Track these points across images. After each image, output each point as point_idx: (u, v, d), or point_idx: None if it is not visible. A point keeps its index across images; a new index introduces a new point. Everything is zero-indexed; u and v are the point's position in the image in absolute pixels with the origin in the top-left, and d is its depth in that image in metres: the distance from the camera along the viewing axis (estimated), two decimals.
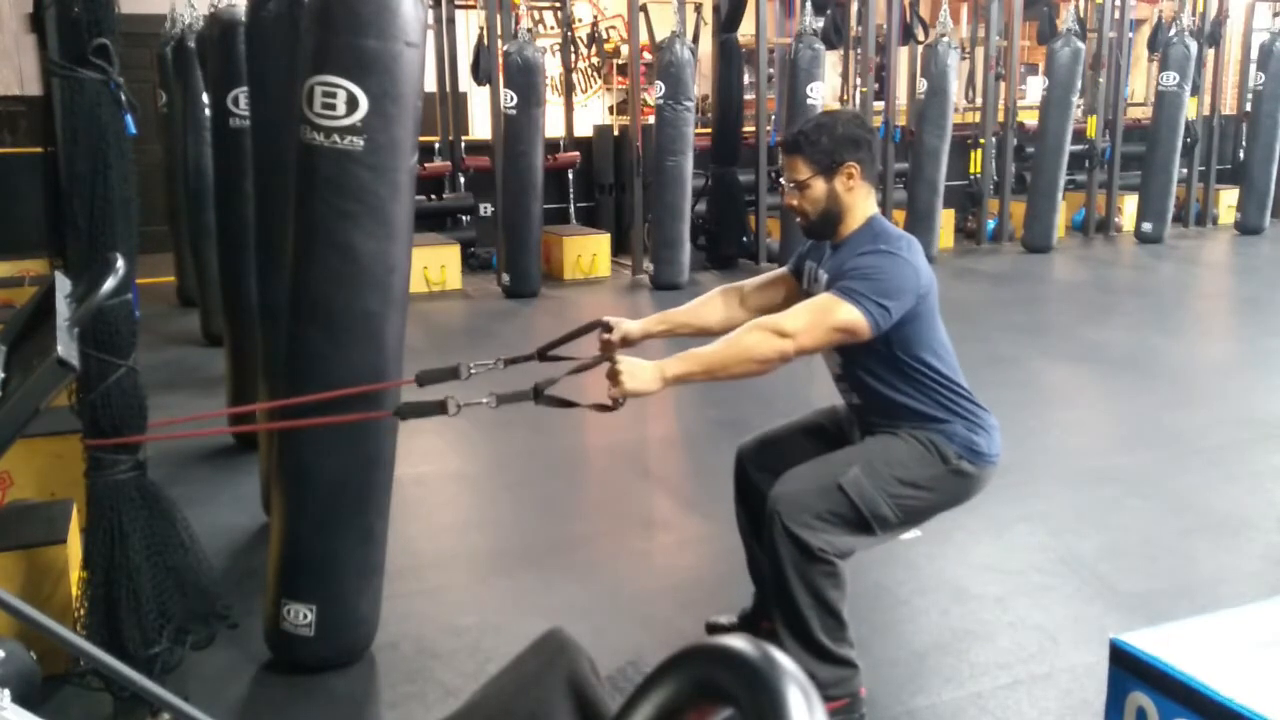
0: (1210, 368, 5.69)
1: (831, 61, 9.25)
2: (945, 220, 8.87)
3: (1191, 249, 9.37)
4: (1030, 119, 9.60)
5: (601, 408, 2.27)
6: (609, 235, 8.51)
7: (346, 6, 2.33)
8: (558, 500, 3.88)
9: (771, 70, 9.90)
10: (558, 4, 9.48)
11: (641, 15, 8.30)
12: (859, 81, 9.01)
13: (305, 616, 2.54)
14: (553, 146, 8.51)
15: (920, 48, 8.66)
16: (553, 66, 9.14)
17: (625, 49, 9.61)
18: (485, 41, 7.87)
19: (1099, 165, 9.61)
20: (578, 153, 9.08)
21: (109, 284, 1.60)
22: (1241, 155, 10.38)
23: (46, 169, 2.39)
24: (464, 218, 8.70)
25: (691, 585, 3.16)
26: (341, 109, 2.34)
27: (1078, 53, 8.67)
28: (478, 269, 8.36)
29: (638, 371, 2.16)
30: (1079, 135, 9.53)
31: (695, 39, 8.03)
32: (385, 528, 2.66)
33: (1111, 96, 9.57)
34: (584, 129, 9.63)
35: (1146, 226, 9.32)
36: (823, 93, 7.78)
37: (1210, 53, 10.06)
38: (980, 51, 9.50)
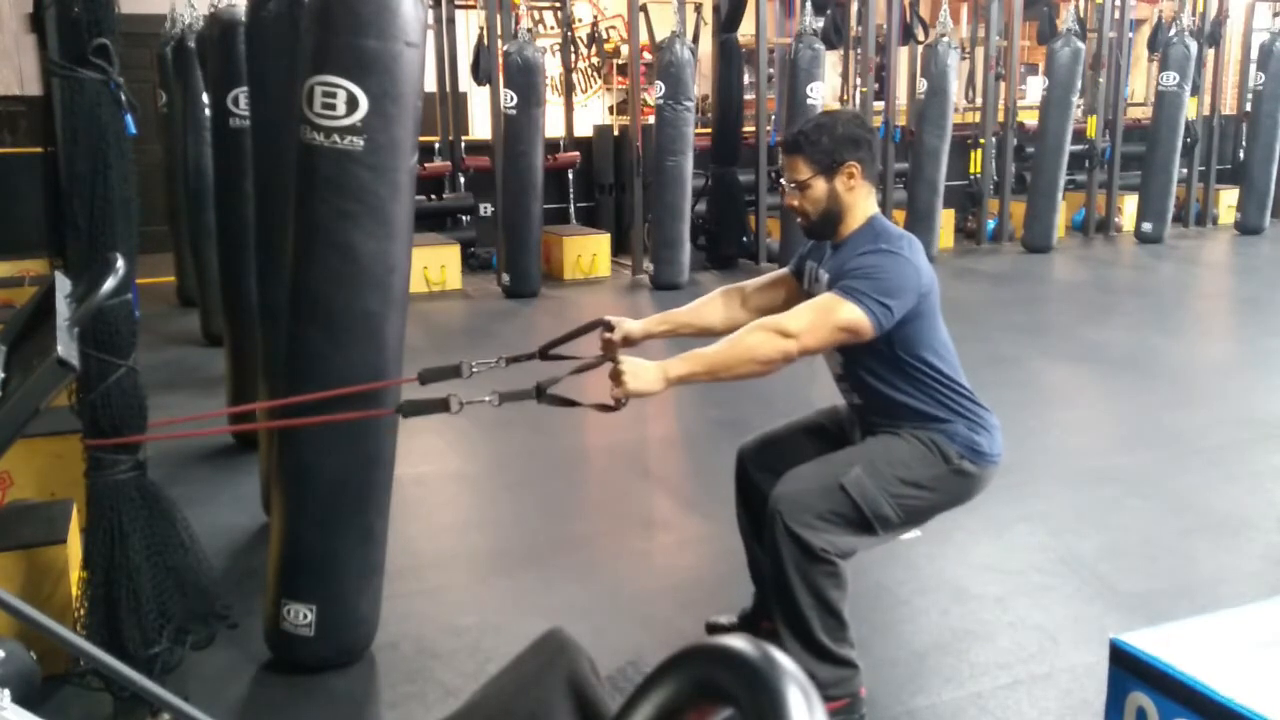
0: (1210, 368, 5.69)
1: (831, 61, 9.25)
2: (945, 220, 8.88)
3: (1191, 249, 9.38)
4: (1030, 119, 9.60)
5: (604, 408, 2.27)
6: (609, 235, 8.51)
7: (346, 6, 2.33)
8: (558, 500, 3.88)
9: (771, 70, 9.90)
10: (558, 4, 9.48)
11: (641, 15, 8.30)
12: (859, 81, 9.01)
13: (305, 616, 2.54)
14: (553, 146, 8.51)
15: (920, 48, 8.66)
16: (553, 66, 9.14)
17: (625, 49, 9.61)
18: (485, 41, 7.87)
19: (1099, 165, 9.61)
20: (578, 153, 9.08)
21: (109, 284, 1.60)
22: (1241, 155, 10.38)
23: (46, 169, 2.39)
24: (464, 218, 8.70)
25: (691, 585, 3.16)
26: (341, 109, 2.34)
27: (1078, 53, 8.67)
28: (478, 269, 8.36)
29: (641, 372, 2.16)
30: (1079, 135, 9.53)
31: (695, 39, 8.03)
32: (385, 527, 2.66)
33: (1111, 96, 9.57)
34: (584, 129, 9.63)
35: (1146, 226, 9.32)
36: (823, 93, 7.78)
37: (1210, 53, 10.06)
38: (980, 51, 9.50)
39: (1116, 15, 9.39)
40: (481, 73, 7.99)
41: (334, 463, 2.52)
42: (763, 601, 2.62)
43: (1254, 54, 10.33)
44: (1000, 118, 9.09)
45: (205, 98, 5.26)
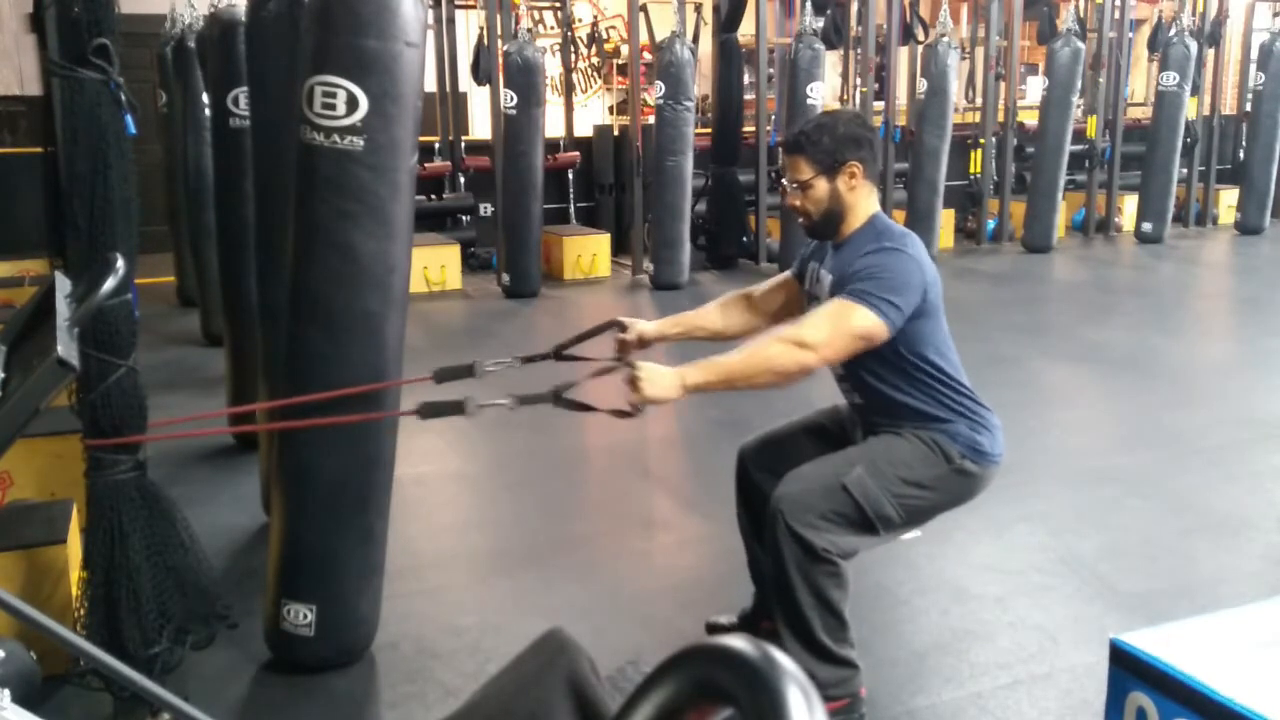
0: (1210, 368, 5.69)
1: (831, 61, 9.25)
2: (945, 220, 8.88)
3: (1191, 249, 9.38)
4: (1030, 119, 9.60)
5: (620, 414, 2.26)
6: (609, 235, 8.51)
7: (346, 6, 2.33)
8: (558, 500, 3.88)
9: (771, 70, 9.90)
10: (558, 4, 9.49)
11: (641, 15, 8.30)
12: (859, 81, 9.01)
13: (305, 616, 2.54)
14: (553, 146, 8.51)
15: (920, 48, 8.66)
16: (553, 66, 9.14)
17: (625, 49, 9.61)
18: (485, 41, 7.87)
19: (1099, 165, 9.61)
20: (578, 153, 9.08)
21: (109, 284, 1.60)
22: (1241, 155, 10.38)
23: (46, 169, 2.39)
24: (464, 218, 8.70)
25: (691, 585, 3.16)
26: (341, 109, 2.34)
27: (1078, 53, 8.67)
28: (478, 269, 8.36)
29: (658, 378, 2.14)
30: (1079, 135, 9.53)
31: (695, 39, 8.03)
32: (385, 528, 2.66)
33: (1111, 96, 9.57)
34: (584, 129, 9.63)
35: (1146, 226, 9.32)
36: (823, 93, 7.78)
37: (1210, 53, 10.06)
38: (980, 51, 9.50)
39: (1116, 15, 9.39)
40: (481, 73, 7.99)
41: (334, 463, 2.52)
42: (763, 601, 2.62)
43: (1254, 54, 10.33)
44: (1000, 118, 9.09)
45: (205, 98, 5.26)
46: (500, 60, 7.42)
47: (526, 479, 4.07)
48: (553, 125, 8.29)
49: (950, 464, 2.29)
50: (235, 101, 3.94)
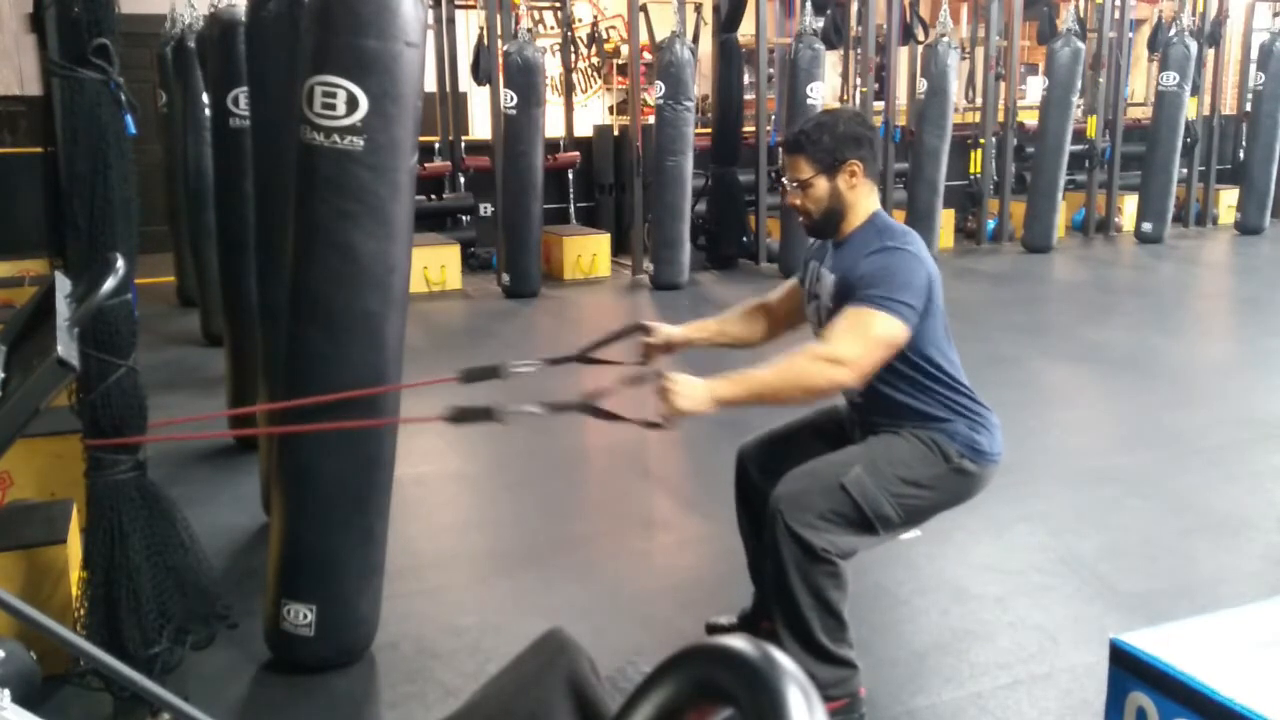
0: (1210, 368, 5.69)
1: (831, 61, 9.25)
2: (945, 220, 8.88)
3: (1191, 249, 9.38)
4: (1030, 119, 9.60)
5: (651, 425, 2.24)
6: (609, 235, 8.51)
7: (346, 6, 2.33)
8: (558, 500, 3.88)
9: (771, 70, 9.90)
10: (558, 4, 9.49)
11: (641, 15, 8.30)
12: (859, 81, 9.01)
13: (305, 616, 2.54)
14: (553, 146, 8.51)
15: (920, 48, 8.67)
16: (553, 66, 9.15)
17: (625, 49, 9.61)
18: (485, 41, 7.87)
19: (1099, 165, 9.61)
20: (578, 153, 9.08)
21: (109, 284, 1.60)
22: (1241, 155, 10.38)
23: (46, 169, 2.39)
24: (464, 218, 8.70)
25: (691, 585, 3.16)
26: (341, 109, 2.34)
27: (1078, 53, 8.67)
28: (478, 269, 8.36)
29: (690, 391, 2.12)
30: (1079, 135, 9.53)
31: (695, 39, 8.03)
32: (385, 528, 2.66)
33: (1111, 96, 9.57)
34: (584, 129, 9.63)
35: (1146, 226, 9.32)
36: (823, 93, 7.78)
37: (1210, 53, 10.06)
38: (980, 51, 9.50)
39: (1116, 15, 9.39)
40: (481, 73, 7.99)
41: (334, 463, 2.52)
42: (762, 602, 2.62)
43: (1254, 54, 10.33)
44: (1000, 118, 9.09)
45: (205, 98, 5.26)
46: (500, 60, 7.42)
47: (526, 479, 4.08)
48: (553, 125, 8.29)
49: (949, 463, 2.29)
50: (235, 101, 3.94)
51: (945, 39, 8.25)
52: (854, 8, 8.93)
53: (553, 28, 10.72)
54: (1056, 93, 8.74)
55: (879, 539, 2.30)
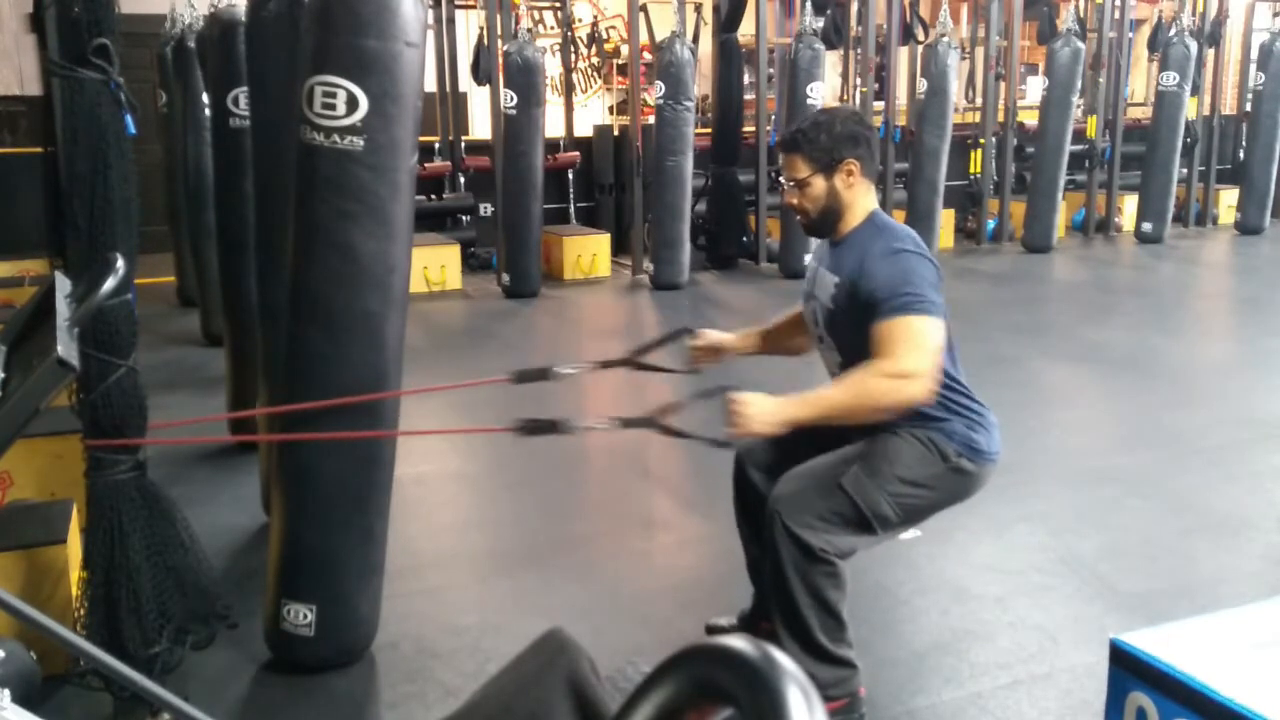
0: (1210, 368, 5.69)
1: (831, 61, 9.24)
2: (945, 220, 8.88)
3: (1191, 249, 9.38)
4: (1030, 119, 9.60)
5: (719, 445, 2.25)
6: (609, 235, 8.51)
7: (346, 6, 2.33)
8: (558, 500, 3.88)
9: (771, 70, 9.90)
10: (558, 4, 9.49)
11: (641, 15, 8.30)
12: (859, 81, 9.01)
13: (305, 616, 2.54)
14: (553, 146, 8.51)
15: (920, 48, 8.67)
16: (553, 66, 9.14)
17: (625, 49, 9.61)
18: (485, 41, 7.87)
19: (1099, 165, 9.61)
20: (578, 153, 9.08)
21: (109, 284, 1.60)
22: (1241, 155, 10.38)
23: (46, 169, 2.39)
24: (464, 218, 8.70)
25: (691, 585, 3.16)
26: (341, 109, 2.34)
27: (1078, 53, 8.67)
28: (478, 269, 8.36)
29: (759, 412, 2.12)
30: (1079, 135, 9.53)
31: (695, 39, 8.03)
32: (385, 528, 2.66)
33: (1111, 96, 9.57)
34: (584, 129, 9.63)
35: (1146, 226, 9.32)
36: (823, 93, 7.78)
37: (1210, 53, 10.06)
38: (980, 51, 9.50)
39: (1116, 15, 9.39)
40: (481, 73, 7.99)
41: (334, 463, 2.52)
42: (762, 602, 2.62)
43: (1254, 54, 10.33)
44: (1000, 118, 9.09)
45: (205, 98, 5.26)
46: (500, 60, 7.43)
47: (526, 479, 4.07)
48: (553, 125, 8.29)
49: (947, 463, 2.29)
50: (235, 101, 3.94)
51: (945, 39, 8.25)
52: (854, 8, 8.93)
53: (553, 28, 10.72)
54: (1056, 93, 8.74)
55: (877, 539, 2.30)
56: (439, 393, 4.51)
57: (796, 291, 2.61)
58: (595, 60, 11.96)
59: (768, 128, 8.46)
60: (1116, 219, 9.82)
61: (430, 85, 6.61)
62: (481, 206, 8.54)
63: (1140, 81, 12.25)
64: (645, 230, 8.00)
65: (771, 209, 8.22)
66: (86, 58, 2.30)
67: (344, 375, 2.45)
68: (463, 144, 8.62)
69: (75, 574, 2.65)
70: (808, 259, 2.70)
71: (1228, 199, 10.30)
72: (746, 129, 8.73)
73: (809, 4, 7.76)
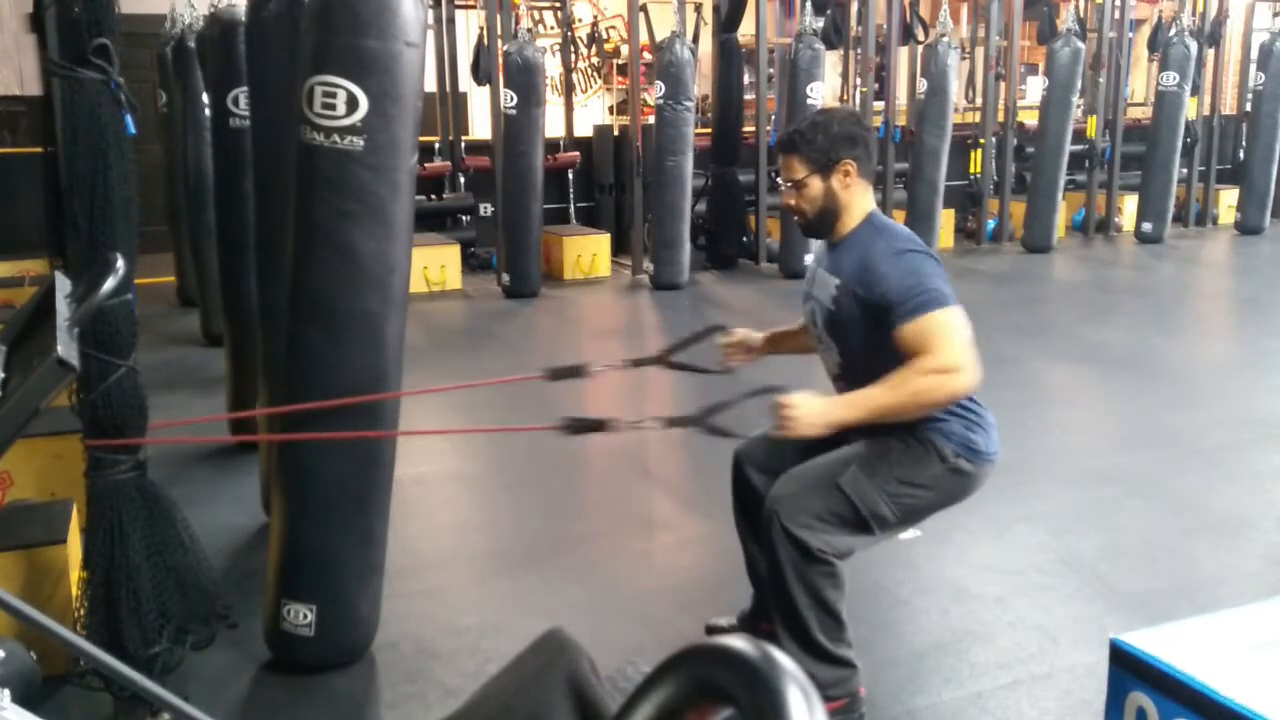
0: (1210, 368, 5.69)
1: (831, 61, 9.25)
2: (945, 220, 8.88)
3: (1191, 249, 9.38)
4: (1030, 119, 9.60)
5: None
6: (609, 235, 8.51)
7: (346, 6, 2.33)
8: (558, 500, 3.88)
9: (771, 70, 9.90)
10: (558, 4, 9.49)
11: (641, 15, 8.30)
12: (859, 81, 9.01)
13: (305, 616, 2.54)
14: (553, 146, 8.52)
15: (920, 48, 8.67)
16: (553, 66, 9.14)
17: (625, 49, 9.61)
18: (485, 41, 7.87)
19: (1099, 165, 9.61)
20: (578, 153, 9.08)
21: (109, 284, 1.60)
22: (1241, 155, 10.38)
23: (46, 169, 2.39)
24: (464, 218, 8.70)
25: (691, 585, 3.16)
26: (341, 109, 2.34)
27: (1078, 53, 8.67)
28: (478, 269, 8.36)
29: (807, 414, 2.13)
30: (1079, 135, 9.53)
31: (695, 39, 8.03)
32: (385, 528, 2.66)
33: (1111, 96, 9.57)
34: (584, 129, 9.63)
35: (1146, 226, 9.32)
36: (823, 93, 7.78)
37: (1210, 53, 10.06)
38: (980, 51, 9.50)
39: (1116, 15, 9.39)
40: (481, 73, 7.99)
41: (334, 463, 2.52)
42: (761, 602, 2.62)
43: (1254, 54, 10.33)
44: (1000, 118, 9.09)
45: (205, 98, 5.26)
46: (500, 60, 7.43)
47: (526, 479, 4.07)
48: (553, 125, 8.29)
49: (944, 463, 2.29)
50: (235, 101, 3.94)
51: (945, 39, 8.25)
52: (854, 8, 8.94)
53: (553, 28, 10.72)
54: (1056, 93, 8.74)
55: (875, 539, 2.30)
56: (439, 393, 4.50)
57: (796, 291, 2.62)
58: (595, 60, 11.96)
59: (768, 128, 8.46)
60: (1116, 219, 9.82)
61: (430, 85, 6.61)
62: (481, 206, 8.54)
63: (1140, 81, 12.25)
64: (645, 230, 8.00)
65: (771, 209, 8.22)
66: (86, 58, 2.30)
67: (344, 375, 2.45)
68: (463, 144, 8.62)
69: (75, 574, 2.65)
70: (808, 259, 2.71)
71: (1228, 199, 10.30)
72: (746, 129, 8.73)
73: (809, 4, 7.76)
